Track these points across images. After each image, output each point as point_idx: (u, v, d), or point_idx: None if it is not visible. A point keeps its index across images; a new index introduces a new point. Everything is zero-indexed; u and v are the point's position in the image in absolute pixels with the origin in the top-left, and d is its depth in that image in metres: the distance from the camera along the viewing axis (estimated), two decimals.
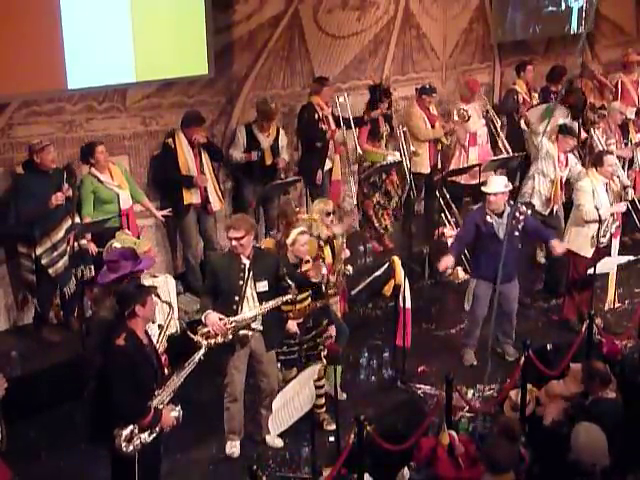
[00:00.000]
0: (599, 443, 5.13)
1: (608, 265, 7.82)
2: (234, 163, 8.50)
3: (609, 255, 7.92)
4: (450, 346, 7.75)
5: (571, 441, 5.17)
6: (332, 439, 6.20)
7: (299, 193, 9.22)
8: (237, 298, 5.89)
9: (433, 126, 9.35)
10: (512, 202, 7.30)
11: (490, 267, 6.91)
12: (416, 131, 9.22)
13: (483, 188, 7.38)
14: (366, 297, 8.08)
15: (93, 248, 7.10)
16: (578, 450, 5.12)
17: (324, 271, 6.37)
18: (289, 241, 6.28)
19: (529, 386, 6.38)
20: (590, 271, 7.59)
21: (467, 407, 6.44)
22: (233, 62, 8.63)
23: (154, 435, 5.01)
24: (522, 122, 9.88)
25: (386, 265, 7.04)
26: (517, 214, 7.13)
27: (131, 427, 4.91)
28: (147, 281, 5.99)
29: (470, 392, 6.96)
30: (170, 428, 5.14)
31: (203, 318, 5.86)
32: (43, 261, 7.04)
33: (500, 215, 7.18)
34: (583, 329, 6.90)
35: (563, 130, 8.40)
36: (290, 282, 6.01)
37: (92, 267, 7.14)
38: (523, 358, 6.27)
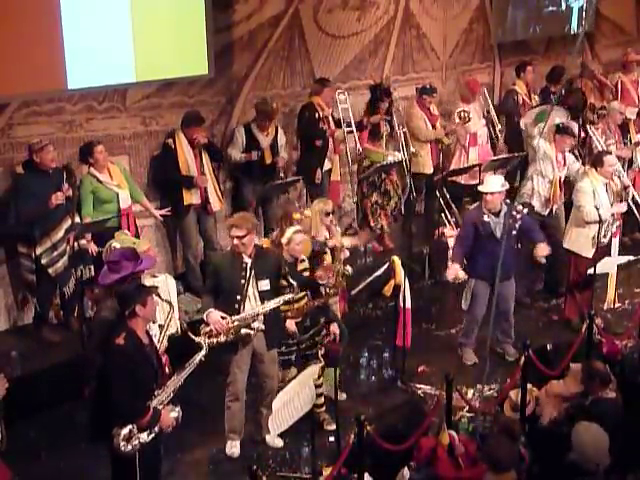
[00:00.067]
0: (601, 442, 5.11)
1: (608, 265, 7.83)
2: (233, 163, 8.50)
3: (609, 255, 7.93)
4: (450, 346, 7.74)
5: (572, 440, 5.16)
6: (332, 439, 6.21)
7: (299, 193, 9.21)
8: (239, 297, 5.89)
9: (434, 126, 9.36)
10: (508, 201, 7.31)
11: (487, 266, 6.94)
12: (417, 132, 9.22)
13: (480, 187, 7.40)
14: (366, 297, 8.10)
15: (93, 248, 7.10)
16: (580, 449, 5.10)
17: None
18: (284, 240, 6.30)
19: (529, 386, 6.37)
20: (590, 271, 7.59)
21: (467, 407, 6.43)
22: (233, 62, 8.63)
23: (153, 435, 5.00)
24: (522, 122, 9.87)
25: (386, 265, 7.05)
26: (514, 213, 7.13)
27: (130, 427, 4.90)
28: (147, 281, 5.98)
29: (470, 392, 6.95)
30: (169, 428, 5.13)
31: (205, 317, 5.86)
32: (43, 261, 7.04)
33: (497, 214, 7.18)
34: (583, 329, 6.91)
35: (560, 130, 8.39)
36: (292, 281, 6.02)
37: (92, 267, 7.15)
38: (523, 358, 6.26)
